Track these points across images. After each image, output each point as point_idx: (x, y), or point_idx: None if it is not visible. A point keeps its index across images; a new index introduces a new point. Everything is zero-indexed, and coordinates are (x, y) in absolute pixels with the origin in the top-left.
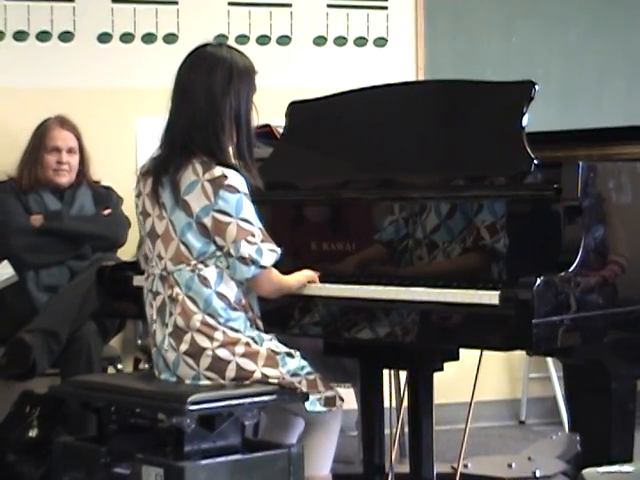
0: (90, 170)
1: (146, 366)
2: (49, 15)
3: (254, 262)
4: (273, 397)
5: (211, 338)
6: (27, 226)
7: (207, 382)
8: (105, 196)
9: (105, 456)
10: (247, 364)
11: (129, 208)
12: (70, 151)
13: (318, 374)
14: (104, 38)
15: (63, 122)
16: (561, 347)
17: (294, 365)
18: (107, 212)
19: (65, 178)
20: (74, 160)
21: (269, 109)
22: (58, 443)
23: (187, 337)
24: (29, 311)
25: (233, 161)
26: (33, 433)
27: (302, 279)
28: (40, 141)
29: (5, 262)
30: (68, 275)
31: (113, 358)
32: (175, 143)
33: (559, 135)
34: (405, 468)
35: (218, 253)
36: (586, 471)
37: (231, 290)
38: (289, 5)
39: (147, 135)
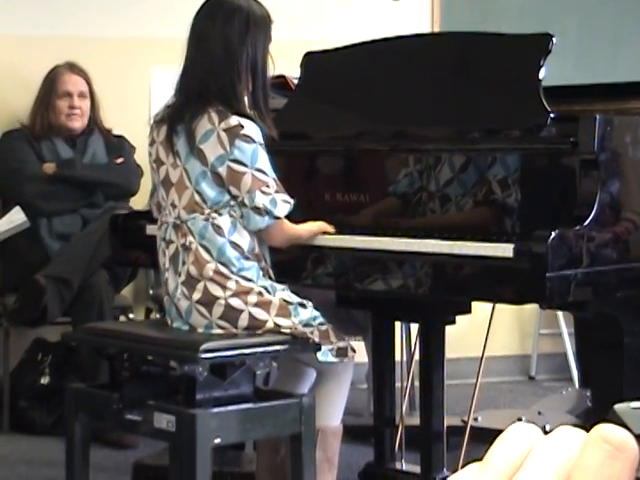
0: (101, 116)
1: (157, 316)
2: None
3: (268, 212)
4: (285, 347)
5: (224, 287)
6: (40, 173)
7: (219, 331)
8: (118, 145)
9: (117, 402)
10: (260, 313)
11: (141, 157)
12: (81, 95)
13: (330, 325)
14: None
15: (73, 67)
16: (574, 301)
17: (306, 315)
18: (120, 161)
19: (78, 123)
20: (85, 105)
21: (284, 60)
22: (70, 390)
23: (200, 286)
24: (42, 258)
25: (248, 111)
26: (45, 380)
27: (315, 229)
28: (51, 87)
29: (17, 208)
30: (80, 223)
31: (125, 307)
32: (191, 91)
33: (575, 89)
34: (415, 421)
35: (232, 202)
36: (618, 406)
37: (244, 239)
38: None
39: (161, 85)
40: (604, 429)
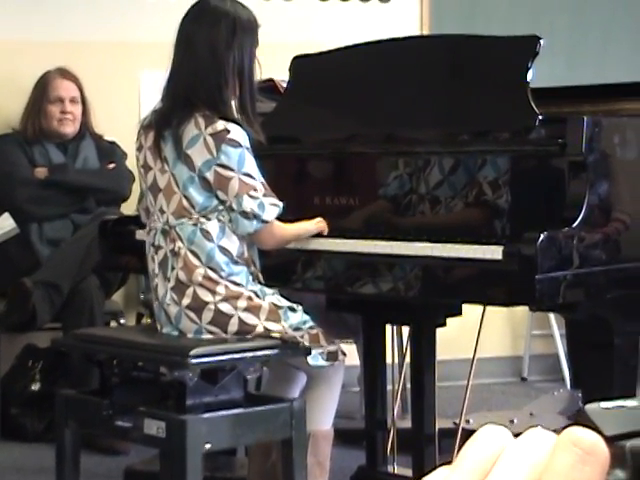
0: (93, 121)
1: (148, 321)
2: None
3: (256, 216)
4: (275, 351)
5: (213, 292)
6: (31, 178)
7: (209, 336)
8: (109, 150)
9: (107, 409)
10: (249, 318)
11: (133, 163)
12: (73, 101)
13: (320, 328)
14: None
15: (64, 73)
16: (564, 303)
17: (296, 319)
18: (111, 166)
19: (69, 128)
20: (77, 110)
21: (273, 64)
22: (60, 396)
23: (189, 291)
24: (32, 264)
25: (236, 115)
26: (36, 386)
27: (310, 227)
28: (42, 92)
29: (6, 214)
30: (72, 229)
31: (115, 313)
32: (177, 96)
33: (564, 91)
34: (407, 423)
35: (220, 207)
36: (589, 406)
37: (233, 244)
38: None
39: (150, 89)
40: (574, 432)
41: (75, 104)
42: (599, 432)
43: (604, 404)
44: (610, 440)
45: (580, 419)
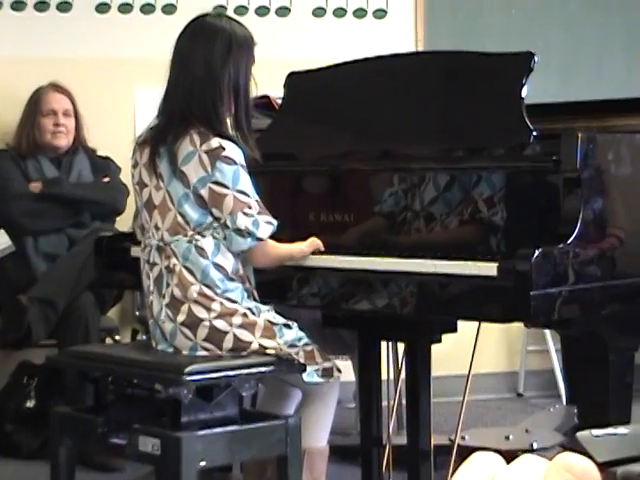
0: (86, 135)
1: (144, 337)
2: None
3: (250, 234)
4: (270, 368)
5: (208, 309)
6: (26, 192)
7: (204, 353)
8: (104, 165)
9: (102, 426)
10: (244, 335)
11: (127, 178)
12: (66, 113)
13: (315, 345)
14: (102, 8)
15: (57, 86)
16: (559, 319)
17: (291, 336)
18: (106, 180)
19: (63, 141)
20: (70, 123)
21: (268, 80)
22: (55, 413)
23: (184, 308)
24: (28, 278)
25: (231, 132)
26: (31, 403)
27: (305, 249)
28: (36, 106)
29: (1, 231)
30: (67, 243)
31: (111, 329)
32: (173, 113)
33: (558, 107)
34: (402, 440)
35: (215, 224)
36: (580, 434)
37: (228, 261)
38: None
39: (146, 105)
40: (567, 458)
41: (68, 117)
42: (591, 458)
43: (595, 431)
44: (602, 466)
45: (573, 446)
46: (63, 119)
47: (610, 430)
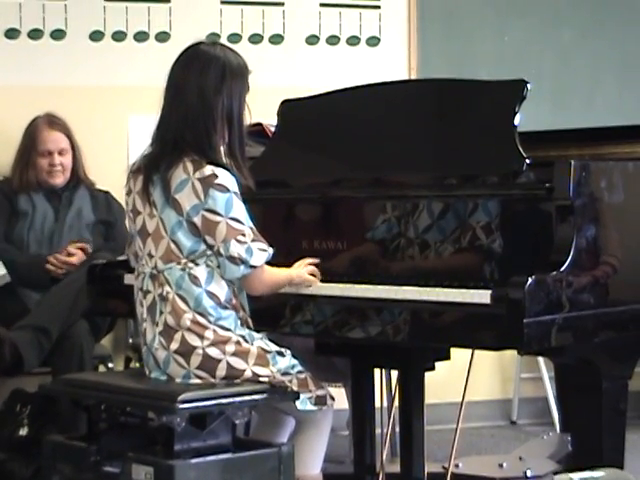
0: (85, 168)
1: (137, 365)
2: (41, 13)
3: (244, 262)
4: (264, 396)
5: (201, 337)
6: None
7: (197, 381)
8: (104, 202)
9: (95, 454)
10: (238, 363)
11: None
12: (62, 152)
13: (309, 373)
14: (96, 36)
15: (52, 122)
16: (552, 347)
17: (285, 364)
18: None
19: (59, 179)
20: (67, 160)
21: (261, 108)
22: (48, 441)
23: (177, 336)
24: (20, 310)
25: (224, 160)
26: (23, 431)
27: (304, 275)
28: (31, 143)
29: None
30: None
31: (104, 357)
32: (166, 141)
33: (551, 135)
34: (396, 468)
35: (208, 252)
36: (558, 477)
37: (221, 289)
38: (281, 4)
39: (139, 133)
40: None
41: (65, 155)
42: None
43: (573, 475)
44: None
45: None
46: (59, 158)
47: (586, 474)
